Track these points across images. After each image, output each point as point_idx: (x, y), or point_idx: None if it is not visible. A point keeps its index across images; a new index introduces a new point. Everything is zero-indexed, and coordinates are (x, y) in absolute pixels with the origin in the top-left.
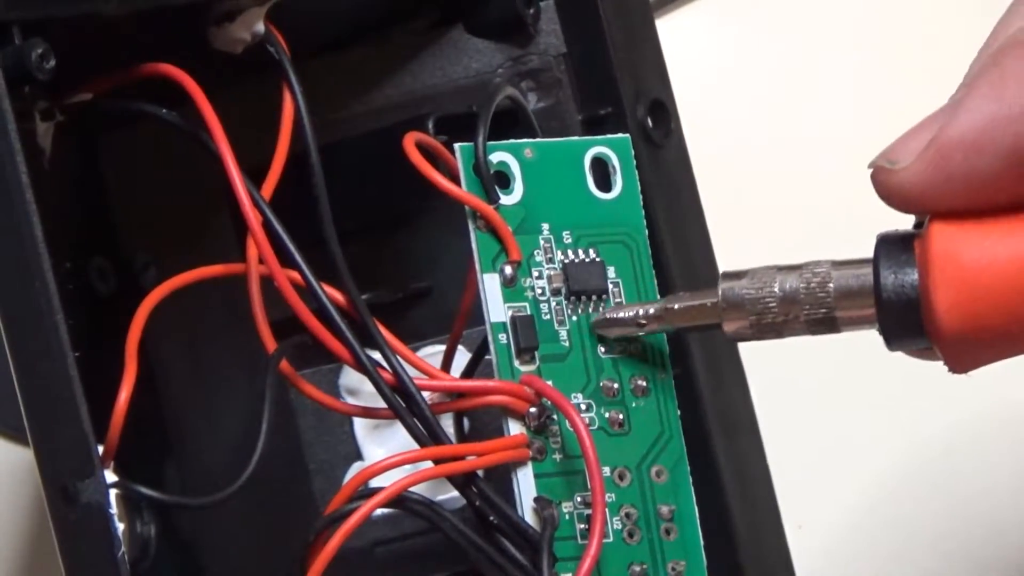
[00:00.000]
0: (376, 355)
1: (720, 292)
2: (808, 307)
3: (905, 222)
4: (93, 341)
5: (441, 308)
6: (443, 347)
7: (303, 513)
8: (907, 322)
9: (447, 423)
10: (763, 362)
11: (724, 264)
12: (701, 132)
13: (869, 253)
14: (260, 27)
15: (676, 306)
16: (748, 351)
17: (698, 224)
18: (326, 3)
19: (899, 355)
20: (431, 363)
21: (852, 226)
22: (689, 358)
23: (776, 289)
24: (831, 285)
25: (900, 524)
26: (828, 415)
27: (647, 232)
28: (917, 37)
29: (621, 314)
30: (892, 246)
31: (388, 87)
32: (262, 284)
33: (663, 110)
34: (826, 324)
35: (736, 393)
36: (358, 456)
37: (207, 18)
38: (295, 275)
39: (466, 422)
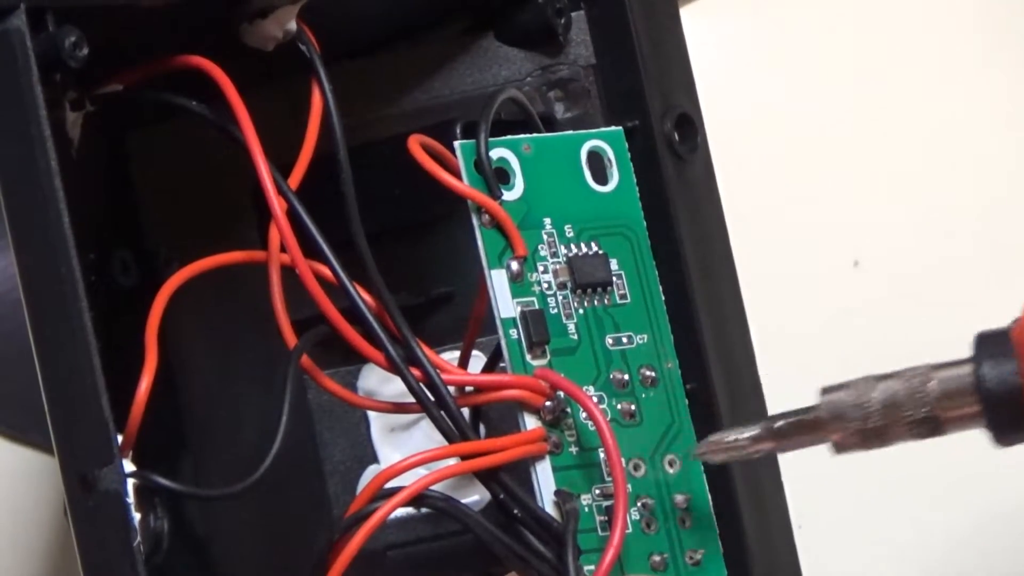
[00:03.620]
0: None
1: (822, 406)
2: (911, 411)
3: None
4: (113, 333)
5: (463, 314)
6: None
7: (317, 514)
8: (1013, 413)
9: None
10: (766, 361)
11: (745, 280)
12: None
13: (886, 254)
14: (292, 25)
15: (780, 425)
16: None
17: (721, 238)
18: (358, 6)
19: (903, 359)
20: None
21: (867, 226)
22: (707, 373)
23: (877, 396)
24: (932, 385)
25: (900, 524)
26: None
27: (645, 225)
28: (921, 32)
29: (726, 438)
30: (990, 341)
31: (417, 92)
32: (283, 286)
33: (690, 124)
34: (929, 425)
35: (752, 406)
36: (374, 459)
37: (240, 14)
38: (319, 266)
39: (482, 428)
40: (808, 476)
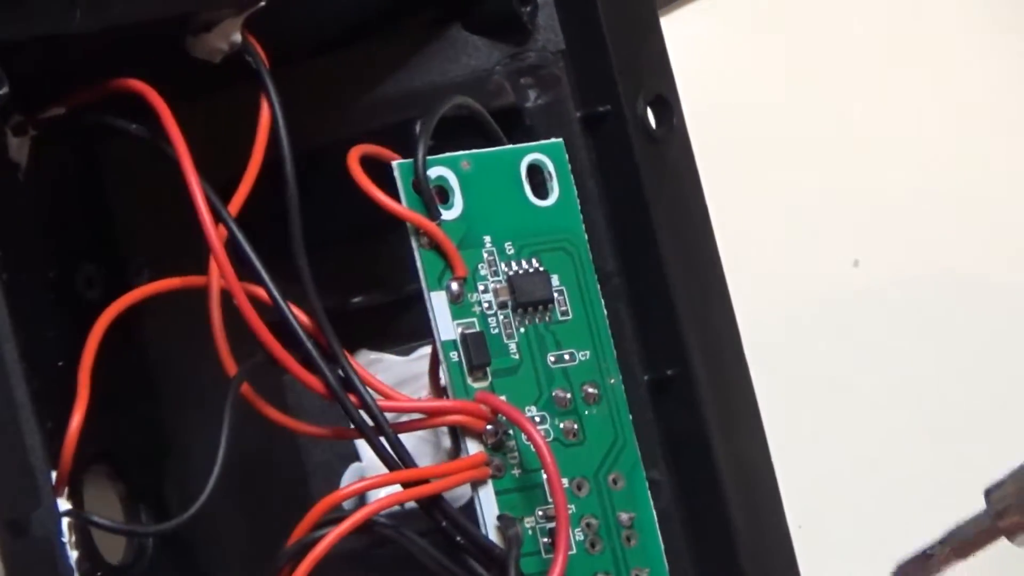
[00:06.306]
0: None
1: (991, 506)
2: None
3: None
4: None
5: None
6: None
7: (301, 514)
8: None
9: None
10: (766, 361)
11: (745, 280)
12: (708, 129)
13: (886, 254)
14: (237, 37)
15: (959, 540)
16: (752, 352)
17: (701, 221)
18: (310, 9)
19: (903, 359)
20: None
21: (867, 226)
22: (688, 359)
23: None
24: None
25: (900, 523)
26: (830, 414)
27: (586, 236)
28: (920, 32)
29: (914, 565)
30: None
31: (387, 85)
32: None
33: (665, 105)
34: None
35: (739, 394)
36: (356, 457)
37: (184, 29)
38: (258, 289)
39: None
40: (808, 477)
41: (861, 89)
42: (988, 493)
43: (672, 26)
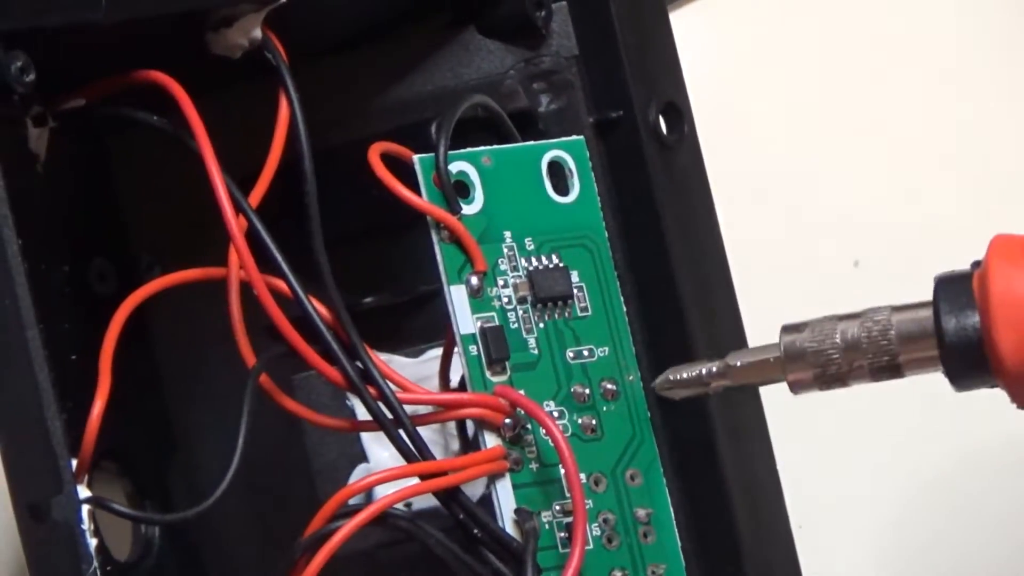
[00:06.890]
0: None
1: (781, 346)
2: (871, 355)
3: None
4: (92, 343)
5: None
6: None
7: (308, 514)
8: (971, 363)
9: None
10: None
11: (745, 280)
12: (713, 133)
13: (886, 254)
14: (257, 33)
15: (738, 363)
16: None
17: (710, 227)
18: (331, 6)
19: None
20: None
21: (867, 226)
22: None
23: (838, 339)
24: (892, 332)
25: (900, 523)
26: (829, 414)
27: (607, 234)
28: (930, 34)
29: (684, 375)
30: (951, 287)
31: (399, 86)
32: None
33: (676, 113)
34: (890, 370)
35: (745, 398)
36: (363, 458)
37: (205, 24)
38: (279, 282)
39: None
40: (808, 476)
41: (864, 88)
42: (785, 331)
43: (675, 24)
